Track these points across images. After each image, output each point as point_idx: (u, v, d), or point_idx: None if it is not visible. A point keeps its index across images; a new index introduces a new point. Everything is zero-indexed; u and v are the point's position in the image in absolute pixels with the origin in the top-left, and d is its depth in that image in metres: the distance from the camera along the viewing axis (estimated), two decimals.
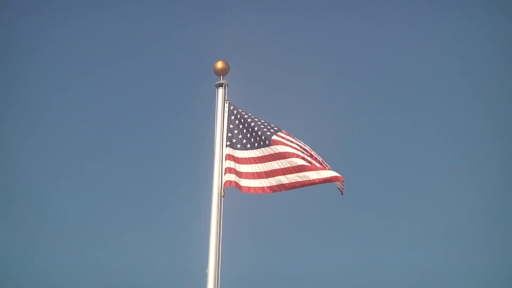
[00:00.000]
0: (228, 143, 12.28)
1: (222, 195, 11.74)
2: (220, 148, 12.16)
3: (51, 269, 23.40)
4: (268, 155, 12.06)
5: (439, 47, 28.66)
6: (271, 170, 11.93)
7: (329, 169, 12.03)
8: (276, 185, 11.88)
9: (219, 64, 12.71)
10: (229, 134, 12.35)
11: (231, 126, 12.42)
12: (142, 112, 28.99)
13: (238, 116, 12.50)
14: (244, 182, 11.95)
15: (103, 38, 29.32)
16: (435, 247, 24.72)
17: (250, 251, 21.56)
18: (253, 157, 12.15)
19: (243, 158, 12.17)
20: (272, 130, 12.30)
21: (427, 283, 22.97)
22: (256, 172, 12.02)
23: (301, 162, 11.81)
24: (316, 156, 12.23)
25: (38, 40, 28.49)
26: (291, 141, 12.18)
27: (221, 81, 12.64)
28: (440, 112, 28.47)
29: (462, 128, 28.07)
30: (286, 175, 11.83)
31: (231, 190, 11.90)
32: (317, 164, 12.00)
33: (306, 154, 12.05)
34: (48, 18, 28.76)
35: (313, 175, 11.72)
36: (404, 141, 28.62)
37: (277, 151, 12.00)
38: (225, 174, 11.92)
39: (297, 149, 12.05)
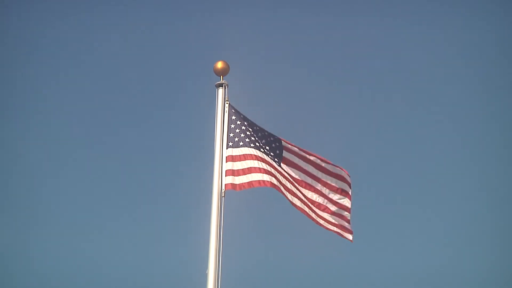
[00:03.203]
0: (230, 143, 12.27)
1: (222, 195, 11.73)
2: (220, 148, 12.15)
3: (51, 270, 23.38)
4: (277, 169, 12.27)
5: (442, 46, 28.64)
6: (252, 167, 12.12)
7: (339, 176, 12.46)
8: (283, 189, 12.08)
9: (219, 64, 12.69)
10: (231, 134, 12.33)
11: (232, 126, 12.40)
12: (142, 112, 28.98)
13: (239, 116, 12.49)
14: (253, 177, 11.99)
15: (103, 38, 29.31)
16: (435, 247, 24.70)
17: (250, 251, 21.56)
18: (259, 156, 12.19)
19: (247, 154, 12.18)
20: (277, 144, 12.46)
21: (427, 283, 22.96)
22: (263, 168, 12.09)
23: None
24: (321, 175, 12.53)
25: (36, 38, 28.48)
26: (296, 164, 12.45)
27: (221, 81, 12.62)
28: (440, 112, 28.45)
29: (462, 128, 28.05)
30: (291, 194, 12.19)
31: (231, 190, 11.88)
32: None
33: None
34: (48, 17, 28.74)
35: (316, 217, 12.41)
36: (405, 140, 28.60)
37: (285, 175, 12.29)
38: (226, 176, 11.92)
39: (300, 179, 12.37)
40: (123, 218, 25.78)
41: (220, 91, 12.59)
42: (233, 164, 12.05)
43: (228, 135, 12.32)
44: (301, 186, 12.54)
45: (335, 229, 12.70)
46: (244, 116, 12.53)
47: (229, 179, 11.89)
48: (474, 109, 28.08)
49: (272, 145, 12.52)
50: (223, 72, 12.66)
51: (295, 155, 12.62)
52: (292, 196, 12.23)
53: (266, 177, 11.98)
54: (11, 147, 26.28)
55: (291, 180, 12.39)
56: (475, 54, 28.22)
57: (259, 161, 12.08)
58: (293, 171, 12.56)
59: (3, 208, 24.73)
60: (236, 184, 11.87)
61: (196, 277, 11.49)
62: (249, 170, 12.02)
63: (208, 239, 11.34)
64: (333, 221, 12.67)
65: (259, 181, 11.94)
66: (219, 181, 11.84)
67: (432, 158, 27.55)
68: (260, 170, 12.02)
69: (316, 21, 29.35)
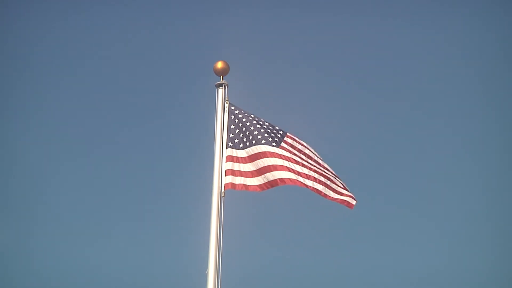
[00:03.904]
0: (230, 144, 12.28)
1: (222, 195, 11.74)
2: (220, 148, 12.17)
3: (51, 270, 23.38)
4: (274, 152, 12.08)
5: (442, 46, 28.64)
6: (270, 165, 11.94)
7: (338, 187, 12.14)
8: (273, 180, 11.89)
9: (219, 64, 12.71)
10: (231, 135, 12.35)
11: (232, 126, 12.42)
12: (142, 112, 28.97)
13: (239, 116, 12.50)
14: (252, 181, 11.93)
15: (103, 37, 29.31)
16: (435, 247, 24.70)
17: (251, 251, 21.56)
18: (256, 153, 12.13)
19: (246, 157, 12.16)
20: (280, 134, 12.33)
21: (427, 283, 22.95)
22: (262, 167, 11.98)
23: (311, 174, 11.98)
24: (324, 169, 12.20)
25: (36, 38, 28.48)
26: (299, 150, 12.22)
27: (221, 81, 12.64)
28: (441, 112, 28.45)
29: (462, 128, 28.05)
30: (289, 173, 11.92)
31: (231, 190, 11.90)
32: (325, 180, 12.10)
33: (315, 167, 12.11)
34: (48, 17, 28.74)
35: (320, 187, 11.93)
36: (405, 140, 28.60)
37: (285, 154, 12.07)
38: (226, 175, 11.93)
39: (304, 162, 12.10)
40: (123, 218, 25.78)
41: (220, 91, 12.61)
42: (233, 165, 12.07)
43: (228, 135, 12.34)
44: (302, 165, 12.21)
45: (341, 197, 12.14)
46: (245, 115, 12.51)
47: (228, 179, 11.91)
48: (474, 109, 28.07)
49: (272, 134, 12.37)
50: (223, 72, 12.68)
51: (297, 144, 12.39)
52: (297, 175, 11.94)
53: (263, 179, 11.90)
54: (11, 147, 26.29)
55: (292, 159, 12.14)
56: (475, 54, 28.23)
57: (257, 160, 12.05)
58: (292, 154, 12.24)
59: (3, 208, 24.74)
60: (235, 184, 11.89)
61: (196, 277, 11.50)
62: (248, 174, 12.01)
63: (208, 239, 11.35)
64: (337, 188, 12.20)
65: (255, 186, 11.90)
66: (219, 181, 11.86)
67: (432, 158, 27.55)
68: (254, 173, 11.97)
69: (316, 21, 29.35)
